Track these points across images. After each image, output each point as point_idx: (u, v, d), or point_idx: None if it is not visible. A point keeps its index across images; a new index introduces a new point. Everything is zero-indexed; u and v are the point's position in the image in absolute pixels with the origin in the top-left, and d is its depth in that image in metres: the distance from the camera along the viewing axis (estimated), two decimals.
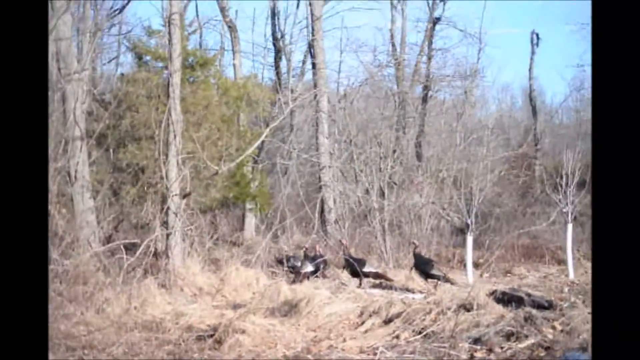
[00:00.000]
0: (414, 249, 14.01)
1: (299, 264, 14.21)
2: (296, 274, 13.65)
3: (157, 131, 13.83)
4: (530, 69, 32.53)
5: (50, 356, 7.27)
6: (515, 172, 25.16)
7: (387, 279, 13.74)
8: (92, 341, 8.19)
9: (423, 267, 13.42)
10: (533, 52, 32.37)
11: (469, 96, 28.14)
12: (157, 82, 16.05)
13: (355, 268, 13.34)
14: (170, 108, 13.44)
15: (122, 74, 19.16)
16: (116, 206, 15.61)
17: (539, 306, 9.92)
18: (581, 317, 9.04)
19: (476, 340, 8.52)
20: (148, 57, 17.93)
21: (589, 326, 8.59)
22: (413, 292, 12.68)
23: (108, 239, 14.03)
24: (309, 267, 13.70)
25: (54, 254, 10.76)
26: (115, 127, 16.32)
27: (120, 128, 16.30)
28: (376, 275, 13.77)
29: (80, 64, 14.22)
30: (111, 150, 16.33)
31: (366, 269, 13.55)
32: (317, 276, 13.70)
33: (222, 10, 23.36)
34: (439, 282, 13.02)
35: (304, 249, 14.66)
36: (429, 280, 13.28)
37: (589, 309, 9.76)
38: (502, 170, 22.66)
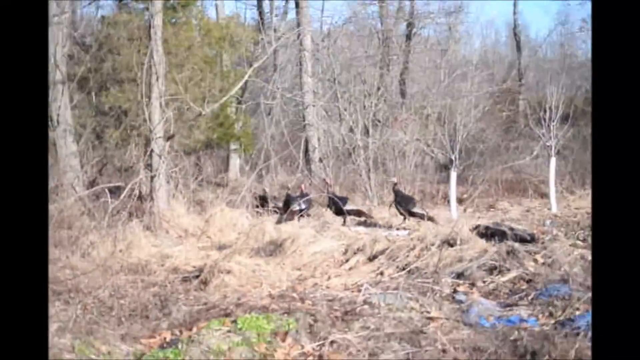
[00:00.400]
0: (394, 185, 13.85)
1: (280, 204, 14.29)
2: (287, 213, 13.66)
3: (139, 73, 13.72)
4: (514, 4, 32.30)
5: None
6: (499, 107, 25.18)
7: (368, 217, 13.80)
8: (78, 285, 8.17)
9: (404, 204, 13.23)
10: None
11: (453, 32, 28.03)
12: (138, 24, 15.88)
13: (339, 206, 13.38)
14: (152, 50, 13.32)
15: (103, 17, 18.93)
16: (99, 150, 15.59)
17: (522, 240, 9.99)
18: (562, 249, 9.15)
19: (459, 275, 8.60)
20: None
21: (569, 258, 8.72)
22: (397, 229, 12.73)
23: (92, 183, 14.03)
24: (298, 206, 13.73)
25: None
26: (96, 70, 16.20)
27: (102, 71, 16.19)
28: (357, 213, 13.80)
29: (60, 7, 14.02)
30: (93, 94, 16.23)
31: (348, 207, 13.59)
32: (302, 215, 13.74)
33: None
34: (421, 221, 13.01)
35: (287, 189, 14.73)
36: (411, 218, 13.16)
37: (570, 242, 9.92)
38: (486, 106, 22.61)
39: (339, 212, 13.45)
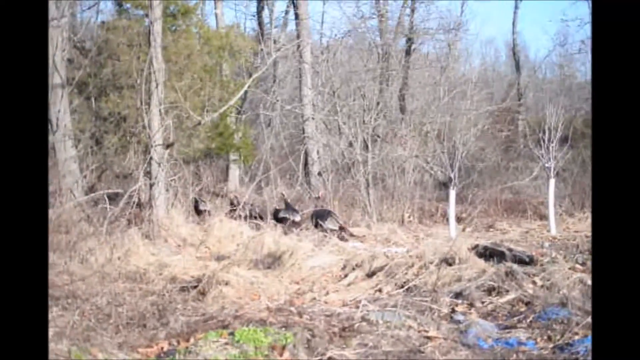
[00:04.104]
0: (316, 199, 15.32)
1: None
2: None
3: (139, 80, 13.69)
4: (514, 23, 32.39)
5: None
6: (499, 127, 25.20)
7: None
8: (75, 291, 8.16)
9: (319, 217, 14.05)
10: (517, 6, 32.21)
11: (453, 50, 28.02)
12: (138, 31, 15.88)
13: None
14: (152, 57, 13.29)
15: (103, 22, 18.92)
16: (98, 155, 15.53)
17: (520, 261, 9.94)
18: (561, 272, 9.09)
19: (457, 295, 8.56)
20: (129, 5, 17.70)
21: (568, 282, 8.69)
22: (396, 246, 12.73)
23: (91, 189, 13.98)
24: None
25: None
26: (96, 75, 16.21)
27: (102, 76, 16.20)
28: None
29: (59, 11, 13.97)
30: (92, 99, 16.20)
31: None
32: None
33: None
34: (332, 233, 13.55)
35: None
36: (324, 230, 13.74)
37: (569, 265, 9.90)
38: (485, 125, 22.69)
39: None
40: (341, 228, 13.96)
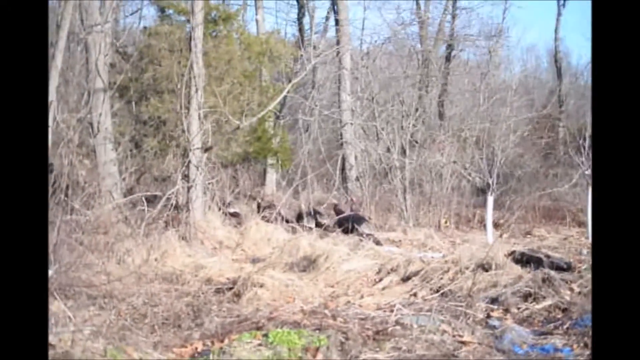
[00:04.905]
0: (351, 205, 15.47)
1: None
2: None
3: (179, 85, 13.80)
4: (556, 30, 32.05)
5: (70, 302, 7.36)
6: (539, 134, 24.93)
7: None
8: (112, 291, 8.25)
9: (355, 222, 14.24)
10: (559, 13, 31.88)
11: (493, 56, 27.80)
12: (179, 36, 15.96)
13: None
14: (193, 62, 13.39)
15: (145, 27, 19.09)
16: (138, 158, 15.63)
17: (558, 268, 9.86)
18: None
19: (493, 300, 8.50)
20: (171, 11, 17.82)
21: None
22: (432, 251, 12.67)
23: (130, 191, 14.09)
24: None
25: (75, 204, 10.84)
26: (137, 79, 16.33)
27: (142, 81, 16.30)
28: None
29: (103, 17, 14.15)
30: (133, 103, 16.34)
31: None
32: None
33: None
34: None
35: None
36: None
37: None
38: (525, 131, 22.48)
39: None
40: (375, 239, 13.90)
